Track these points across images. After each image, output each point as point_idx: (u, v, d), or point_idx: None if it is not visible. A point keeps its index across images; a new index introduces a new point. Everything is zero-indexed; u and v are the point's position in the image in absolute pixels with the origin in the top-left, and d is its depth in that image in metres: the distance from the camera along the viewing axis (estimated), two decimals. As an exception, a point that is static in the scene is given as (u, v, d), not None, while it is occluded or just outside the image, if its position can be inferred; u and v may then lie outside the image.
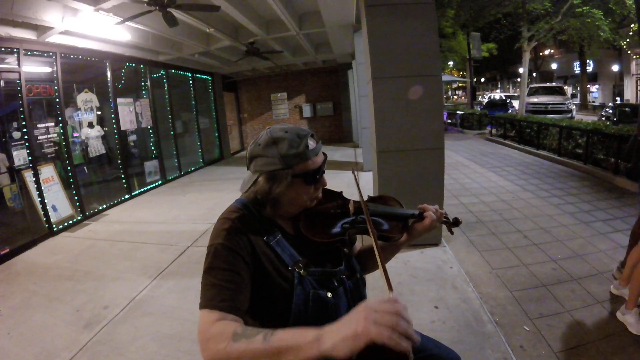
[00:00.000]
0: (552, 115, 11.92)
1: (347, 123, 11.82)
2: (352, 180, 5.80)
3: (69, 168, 5.08)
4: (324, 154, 1.02)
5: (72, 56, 5.35)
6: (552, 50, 25.80)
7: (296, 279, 0.94)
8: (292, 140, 0.95)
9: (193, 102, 9.25)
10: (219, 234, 0.92)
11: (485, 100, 21.01)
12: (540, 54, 25.89)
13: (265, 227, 0.97)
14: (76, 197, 5.13)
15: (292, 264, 0.96)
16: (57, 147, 4.99)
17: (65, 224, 4.84)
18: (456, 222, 1.19)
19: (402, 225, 1.14)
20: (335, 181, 6.25)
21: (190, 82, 9.21)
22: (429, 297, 2.55)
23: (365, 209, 1.00)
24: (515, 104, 16.64)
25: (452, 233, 1.23)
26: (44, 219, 4.55)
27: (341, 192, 1.15)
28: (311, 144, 0.98)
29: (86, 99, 5.61)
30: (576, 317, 2.32)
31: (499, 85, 37.35)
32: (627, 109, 10.98)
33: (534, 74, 25.28)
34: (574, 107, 14.29)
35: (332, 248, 1.07)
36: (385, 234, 1.11)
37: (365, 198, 1.15)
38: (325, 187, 1.10)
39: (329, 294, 0.98)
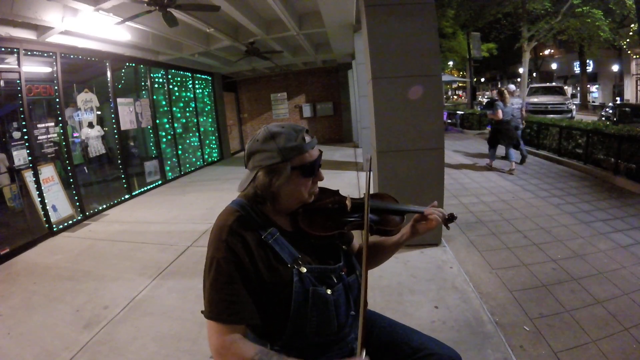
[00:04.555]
0: (552, 115, 11.92)
1: (347, 123, 11.82)
2: (352, 180, 5.73)
3: (69, 168, 5.08)
4: (320, 150, 1.05)
5: (72, 56, 5.35)
6: (552, 50, 25.80)
7: (295, 277, 0.95)
8: (289, 134, 0.98)
9: (193, 102, 9.26)
10: (219, 246, 0.93)
11: (485, 100, 20.98)
12: (540, 54, 25.88)
13: (262, 225, 0.98)
14: (76, 197, 5.13)
15: (292, 262, 0.96)
16: (57, 147, 4.99)
17: (65, 224, 4.84)
18: (451, 218, 1.20)
19: (399, 220, 1.16)
20: (335, 181, 6.29)
21: (190, 82, 9.21)
22: (429, 297, 2.55)
23: (367, 199, 1.02)
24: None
25: (448, 228, 1.25)
26: (44, 219, 4.55)
27: (337, 191, 1.17)
28: (307, 138, 1.01)
29: (86, 99, 5.61)
30: (576, 317, 2.32)
31: (499, 85, 37.36)
32: (627, 109, 10.97)
33: (534, 74, 25.28)
34: (574, 107, 14.28)
35: (330, 243, 1.08)
36: (383, 227, 1.13)
37: (363, 196, 1.17)
38: (322, 187, 1.11)
39: (329, 291, 0.98)
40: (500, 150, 6.97)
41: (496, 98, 6.71)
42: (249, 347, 0.89)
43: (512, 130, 6.67)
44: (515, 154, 6.57)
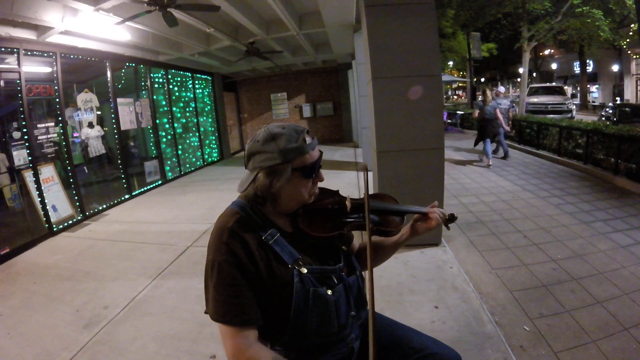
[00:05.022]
0: (552, 115, 11.92)
1: (347, 123, 11.82)
2: (352, 180, 5.74)
3: (69, 168, 5.08)
4: (320, 151, 1.05)
5: (72, 56, 5.35)
6: (552, 50, 25.78)
7: (296, 277, 0.95)
8: (290, 135, 0.97)
9: (193, 102, 9.26)
10: (220, 248, 0.93)
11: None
12: (540, 54, 25.87)
13: (262, 227, 0.98)
14: (76, 197, 5.13)
15: (292, 262, 0.96)
16: (57, 147, 4.99)
17: (65, 224, 4.84)
18: (452, 218, 1.20)
19: (399, 221, 1.16)
20: (335, 181, 6.29)
21: (190, 82, 9.22)
22: (429, 297, 2.55)
23: (367, 202, 1.02)
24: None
25: (448, 229, 1.25)
26: (44, 219, 4.54)
27: (337, 191, 1.17)
28: (307, 139, 1.00)
29: (86, 99, 5.61)
30: (576, 317, 2.32)
31: (499, 85, 37.31)
32: (627, 109, 10.97)
33: (534, 74, 25.27)
34: (574, 107, 14.27)
35: (330, 243, 1.08)
36: (383, 228, 1.13)
37: (362, 196, 1.17)
38: (322, 187, 1.11)
39: (329, 292, 0.98)
40: (485, 147, 7.46)
41: (492, 97, 7.34)
42: (265, 353, 0.89)
43: (495, 128, 7.20)
44: (491, 151, 7.31)
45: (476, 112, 7.34)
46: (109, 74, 6.07)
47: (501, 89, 8.10)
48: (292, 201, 1.02)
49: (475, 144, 7.72)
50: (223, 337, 0.91)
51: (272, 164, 0.96)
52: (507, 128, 7.43)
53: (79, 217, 5.11)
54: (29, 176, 4.47)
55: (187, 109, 8.99)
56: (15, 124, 4.51)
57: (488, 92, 7.32)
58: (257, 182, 0.98)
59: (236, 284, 0.91)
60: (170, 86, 8.16)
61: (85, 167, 5.73)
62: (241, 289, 0.91)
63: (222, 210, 1.02)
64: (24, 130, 4.41)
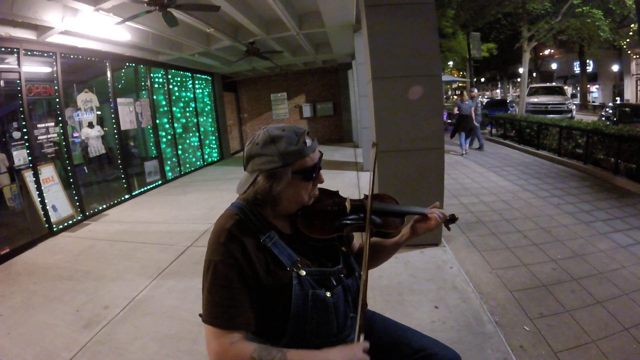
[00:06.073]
0: (552, 115, 11.92)
1: (347, 123, 11.83)
2: (352, 181, 5.73)
3: (69, 168, 5.08)
4: (320, 152, 1.04)
5: (72, 56, 5.35)
6: (552, 50, 25.79)
7: (295, 280, 0.95)
8: (290, 137, 0.96)
9: (193, 102, 9.26)
10: (217, 250, 0.92)
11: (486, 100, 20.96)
12: (540, 54, 25.88)
13: (261, 229, 0.97)
14: (76, 197, 5.13)
15: (291, 265, 0.96)
16: (57, 147, 4.99)
17: (65, 224, 4.84)
18: (452, 219, 1.20)
19: (399, 222, 1.15)
20: (335, 181, 6.28)
21: (190, 82, 9.21)
22: (429, 297, 2.55)
23: (369, 204, 1.01)
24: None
25: (449, 229, 1.24)
26: (44, 219, 4.54)
27: (337, 192, 1.16)
28: (308, 141, 0.99)
29: (86, 99, 5.60)
30: (576, 317, 2.32)
31: (499, 85, 37.32)
32: (627, 109, 10.97)
33: (534, 74, 25.28)
34: (574, 107, 14.28)
35: (329, 245, 1.07)
36: (382, 230, 1.12)
37: (362, 197, 1.17)
38: (322, 188, 1.11)
39: (328, 294, 0.98)
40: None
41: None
42: (247, 346, 0.88)
43: (469, 123, 8.60)
44: (467, 142, 8.79)
45: (456, 109, 8.77)
46: (109, 74, 6.07)
47: (474, 90, 9.84)
48: (292, 203, 1.02)
49: (452, 136, 9.03)
50: (207, 337, 0.90)
51: (272, 167, 0.95)
52: (477, 124, 8.85)
53: (79, 217, 5.11)
54: (29, 176, 4.47)
55: (187, 109, 8.99)
56: (15, 124, 4.50)
57: (465, 93, 8.96)
58: (256, 185, 0.97)
59: (230, 286, 0.90)
60: (170, 86, 8.16)
61: (85, 167, 5.72)
62: (235, 292, 0.90)
63: (222, 211, 1.02)
64: (24, 130, 4.40)
